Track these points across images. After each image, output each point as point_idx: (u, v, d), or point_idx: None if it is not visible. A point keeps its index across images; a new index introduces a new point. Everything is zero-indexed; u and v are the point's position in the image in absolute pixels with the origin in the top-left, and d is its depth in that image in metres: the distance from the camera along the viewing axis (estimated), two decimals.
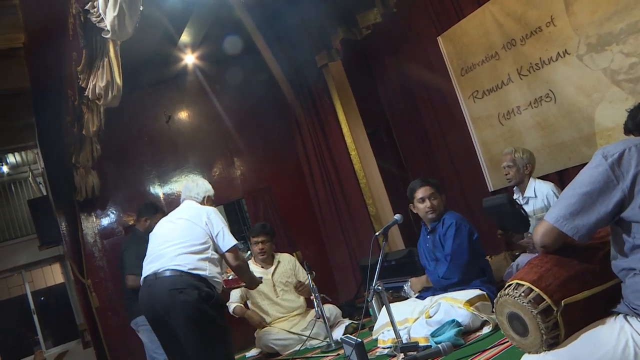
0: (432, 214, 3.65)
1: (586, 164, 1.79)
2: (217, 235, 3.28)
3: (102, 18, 2.76)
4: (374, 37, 5.64)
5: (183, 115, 6.45)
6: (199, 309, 3.03)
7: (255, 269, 4.46)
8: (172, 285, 3.08)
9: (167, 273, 3.13)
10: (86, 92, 3.51)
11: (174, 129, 6.31)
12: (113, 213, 6.00)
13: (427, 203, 3.64)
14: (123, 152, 6.00)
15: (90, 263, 5.78)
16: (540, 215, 3.91)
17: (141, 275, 3.33)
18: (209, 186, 3.68)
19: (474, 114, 5.38)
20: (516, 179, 4.17)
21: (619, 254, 1.71)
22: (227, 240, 3.27)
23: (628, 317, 1.66)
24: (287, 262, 4.57)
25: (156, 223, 3.57)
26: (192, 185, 3.67)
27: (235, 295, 4.37)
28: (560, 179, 4.62)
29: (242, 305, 4.40)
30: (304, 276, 4.43)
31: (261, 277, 3.80)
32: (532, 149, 4.67)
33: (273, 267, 4.49)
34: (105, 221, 5.96)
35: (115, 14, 2.59)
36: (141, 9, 2.64)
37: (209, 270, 3.18)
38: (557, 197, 3.95)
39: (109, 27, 2.72)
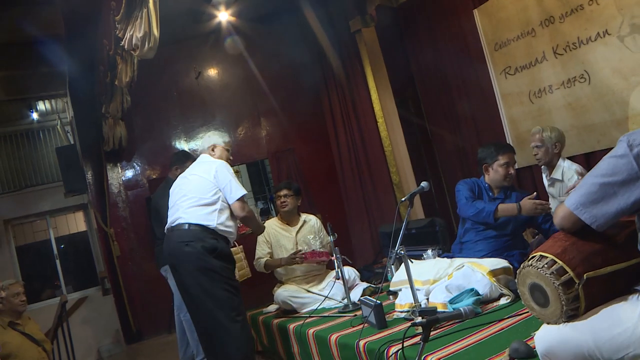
0: (509, 181, 3.63)
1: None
2: (224, 187, 3.46)
3: None
4: (410, 5, 5.58)
5: (213, 72, 6.47)
6: (201, 259, 3.29)
7: (280, 225, 4.56)
8: (180, 237, 3.37)
9: (178, 226, 3.42)
10: (122, 42, 3.54)
11: (203, 86, 6.34)
12: (138, 165, 6.10)
13: (511, 169, 3.61)
14: (151, 105, 6.06)
15: (113, 213, 5.91)
16: (563, 199, 3.87)
17: None
18: (214, 136, 3.84)
19: (504, 90, 5.33)
20: (545, 159, 4.12)
21: None
22: (234, 192, 3.44)
23: None
24: (312, 224, 4.63)
25: None
26: (202, 140, 3.93)
27: (261, 250, 4.46)
28: (587, 161, 4.58)
29: (269, 258, 4.49)
30: (326, 238, 4.51)
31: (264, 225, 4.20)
32: (561, 129, 4.64)
33: (298, 225, 4.56)
34: (130, 173, 6.07)
35: None
36: None
37: (218, 221, 3.40)
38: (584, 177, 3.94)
39: None
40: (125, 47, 3.52)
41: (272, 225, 4.57)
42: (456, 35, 5.69)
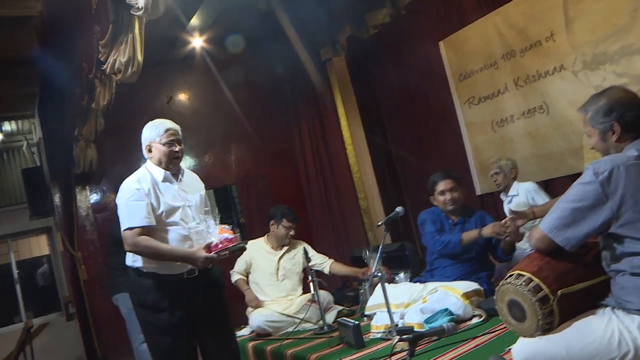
0: (452, 206, 3.74)
1: (572, 175, 2.01)
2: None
3: None
4: (379, 36, 5.78)
5: (184, 97, 6.53)
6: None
7: (266, 247, 4.60)
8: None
9: None
10: (104, 66, 3.60)
11: (174, 110, 6.38)
12: (107, 188, 6.06)
13: (448, 195, 3.73)
14: (123, 129, 6.03)
15: (81, 236, 5.85)
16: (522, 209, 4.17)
17: None
18: (146, 132, 3.00)
19: (468, 119, 5.57)
20: (504, 184, 4.52)
21: (610, 257, 1.90)
22: (122, 221, 2.78)
23: (615, 310, 1.84)
24: (298, 249, 4.62)
25: None
26: None
27: (239, 266, 4.50)
28: (547, 188, 4.81)
29: (244, 278, 4.54)
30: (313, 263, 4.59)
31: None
32: (522, 158, 4.92)
33: (283, 251, 4.61)
34: (99, 196, 6.03)
35: None
36: None
37: (133, 258, 2.83)
38: (539, 192, 4.30)
39: (141, 5, 2.83)
40: (107, 70, 3.58)
41: (257, 246, 4.60)
42: (423, 66, 5.91)
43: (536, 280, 1.90)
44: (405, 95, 6.23)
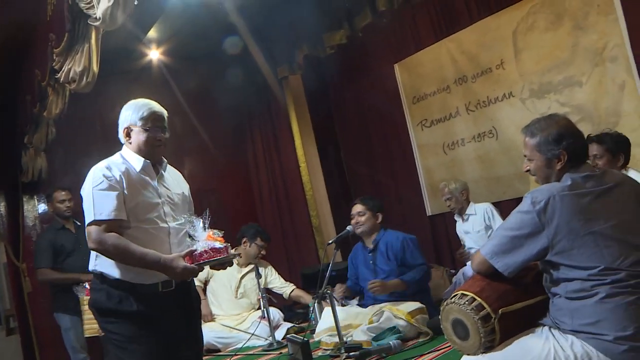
0: (358, 229, 3.99)
1: (518, 198, 2.09)
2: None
3: (93, 5, 2.85)
4: (336, 56, 5.89)
5: None
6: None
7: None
8: None
9: None
10: (59, 75, 3.55)
11: None
12: None
13: (354, 220, 4.01)
14: (75, 139, 5.92)
15: (27, 246, 5.65)
16: (479, 229, 4.42)
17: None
18: (125, 113, 2.47)
19: (420, 141, 5.71)
20: (458, 207, 4.65)
21: (548, 280, 1.99)
22: (87, 214, 2.29)
23: (552, 329, 1.93)
24: (261, 270, 4.59)
25: None
26: None
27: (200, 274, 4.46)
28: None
29: (202, 286, 4.54)
30: (274, 284, 4.69)
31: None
32: (472, 180, 5.07)
33: (247, 269, 4.61)
34: (47, 206, 5.86)
35: (110, 4, 2.68)
36: (136, 3, 2.76)
37: (95, 261, 2.35)
38: (494, 213, 4.50)
39: (99, 16, 2.81)
40: (61, 79, 3.53)
41: None
42: (378, 87, 6.05)
43: (479, 299, 1.98)
44: (359, 115, 6.35)
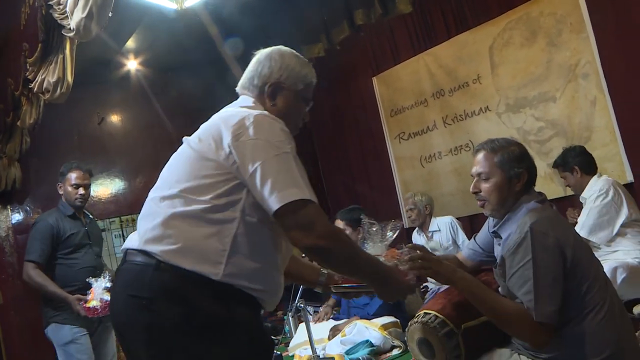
0: None
1: None
2: (250, 176, 1.51)
3: (67, 16, 2.84)
4: (314, 69, 5.90)
5: (116, 118, 6.42)
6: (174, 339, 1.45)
7: None
8: (132, 288, 1.52)
9: (134, 259, 1.58)
10: (32, 84, 3.52)
11: (106, 132, 6.26)
12: (31, 208, 5.82)
13: None
14: (50, 148, 5.87)
15: None
16: (447, 246, 4.36)
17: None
18: (290, 60, 1.82)
19: (398, 154, 5.75)
20: (419, 220, 4.62)
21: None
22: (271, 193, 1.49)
23: (520, 355, 1.93)
24: None
25: None
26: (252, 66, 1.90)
27: None
28: (471, 223, 5.02)
29: None
30: None
31: None
32: (448, 193, 5.11)
33: None
34: (21, 216, 5.78)
35: (84, 15, 2.67)
36: (110, 15, 2.75)
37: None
38: (458, 227, 4.46)
39: (73, 27, 2.80)
40: (35, 89, 3.50)
41: None
42: (356, 100, 6.09)
43: (441, 316, 2.01)
44: (337, 128, 6.38)
